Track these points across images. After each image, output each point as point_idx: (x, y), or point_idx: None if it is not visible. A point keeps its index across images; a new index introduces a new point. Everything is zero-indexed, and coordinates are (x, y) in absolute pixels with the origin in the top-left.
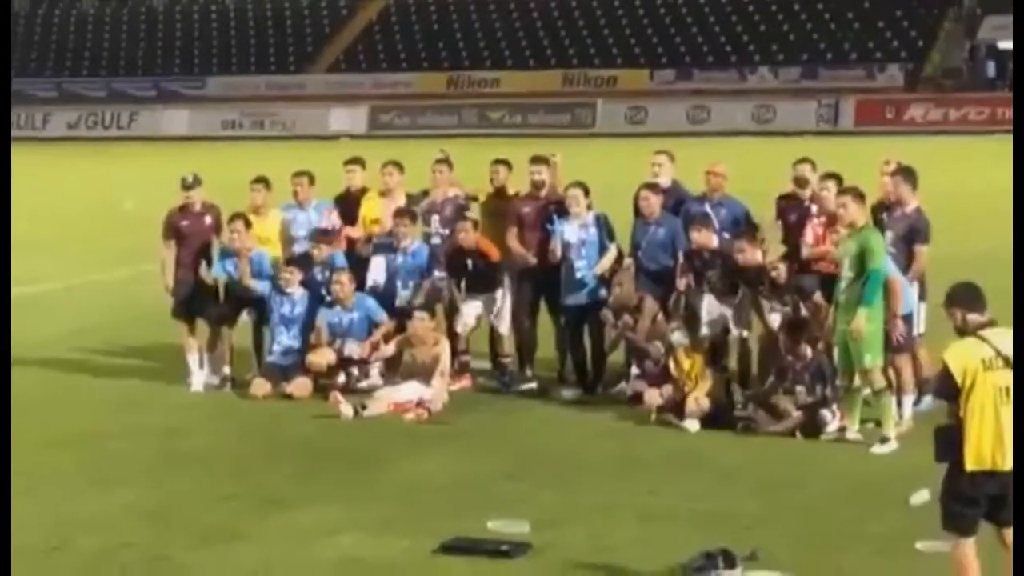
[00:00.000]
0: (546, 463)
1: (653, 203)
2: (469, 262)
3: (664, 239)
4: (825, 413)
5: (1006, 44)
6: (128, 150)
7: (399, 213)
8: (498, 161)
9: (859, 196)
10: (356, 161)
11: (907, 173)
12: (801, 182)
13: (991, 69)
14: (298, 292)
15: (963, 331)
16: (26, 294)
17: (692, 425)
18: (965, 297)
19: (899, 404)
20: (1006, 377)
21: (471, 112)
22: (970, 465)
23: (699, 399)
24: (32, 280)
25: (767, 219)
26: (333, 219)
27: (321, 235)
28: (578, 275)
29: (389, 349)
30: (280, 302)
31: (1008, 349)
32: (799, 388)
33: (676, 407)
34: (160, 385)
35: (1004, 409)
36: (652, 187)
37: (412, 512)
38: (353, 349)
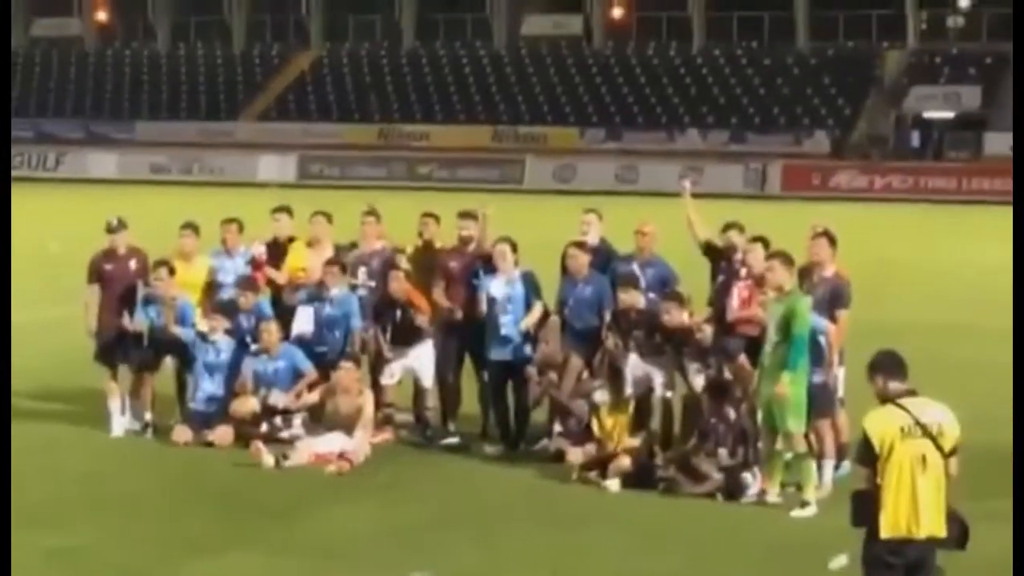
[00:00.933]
0: (468, 518)
1: (581, 261)
2: (397, 313)
3: (591, 297)
4: (746, 476)
5: (931, 114)
6: (55, 191)
7: (329, 263)
8: (427, 214)
9: (787, 260)
10: (283, 209)
11: (828, 237)
12: (730, 249)
13: (915, 139)
14: (223, 340)
15: (884, 398)
16: None
17: (613, 484)
18: (887, 365)
19: (819, 468)
20: (924, 446)
21: (400, 164)
22: (885, 532)
23: (621, 459)
24: None
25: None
26: (258, 251)
27: (247, 283)
28: (503, 331)
29: (312, 397)
30: (205, 350)
31: (927, 418)
32: (721, 450)
33: (599, 466)
34: (82, 429)
35: (921, 478)
36: (580, 245)
37: (333, 563)
38: (278, 398)
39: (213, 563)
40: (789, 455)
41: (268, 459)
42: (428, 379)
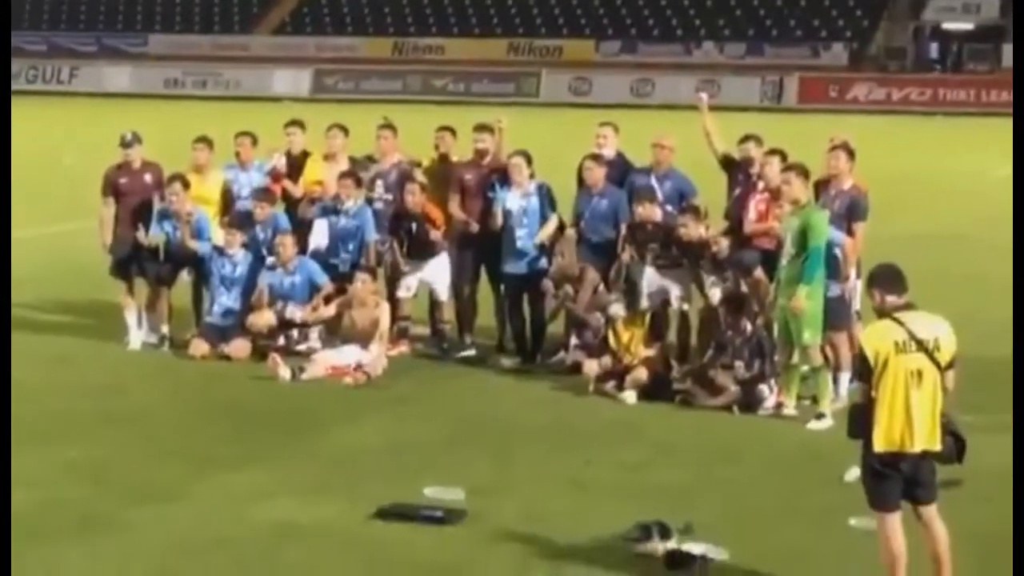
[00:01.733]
0: (483, 431)
1: (597, 174)
2: (413, 226)
3: (607, 211)
4: (762, 388)
5: (949, 25)
6: (69, 105)
7: (344, 176)
8: (443, 128)
9: (803, 173)
10: (296, 124)
11: (846, 149)
12: (747, 162)
13: (934, 50)
14: (239, 253)
15: (881, 312)
16: None
17: (630, 397)
18: (884, 278)
19: (835, 381)
20: (919, 361)
21: (415, 78)
22: (878, 446)
23: (637, 371)
24: None
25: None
26: (279, 163)
27: (263, 194)
28: (519, 244)
29: (329, 311)
30: (221, 263)
31: (924, 332)
32: (738, 363)
33: (615, 378)
34: (97, 343)
35: (915, 392)
36: (596, 158)
37: (347, 477)
38: (294, 312)
39: (229, 477)
40: (805, 368)
41: (284, 372)
42: (444, 292)
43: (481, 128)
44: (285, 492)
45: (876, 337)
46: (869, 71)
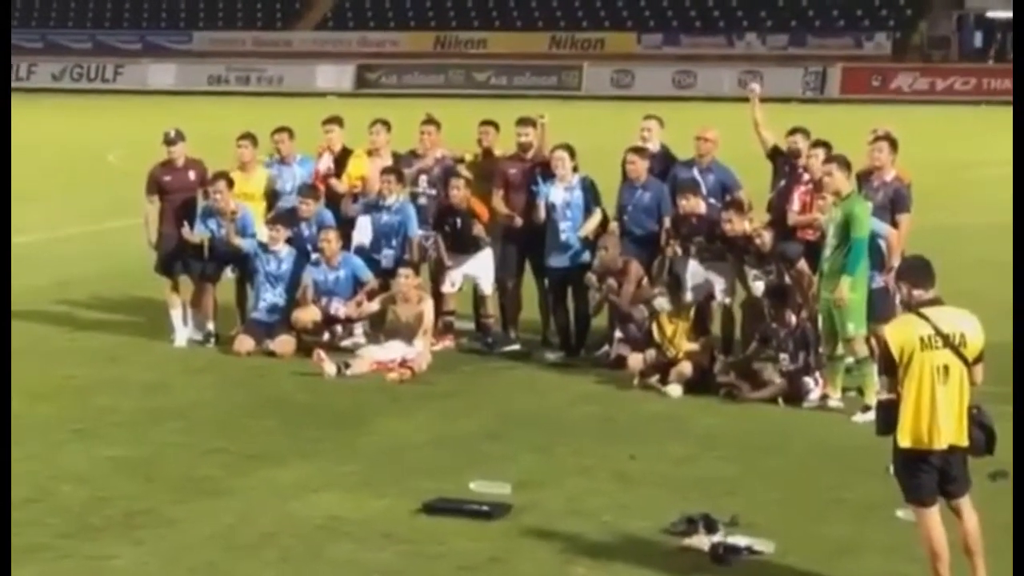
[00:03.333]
0: (528, 425)
1: (640, 167)
2: (457, 221)
3: (650, 203)
4: (808, 381)
5: (994, 14)
6: (113, 103)
7: (386, 171)
8: (486, 122)
9: (845, 164)
10: (334, 120)
11: (889, 140)
12: (794, 154)
13: (978, 39)
14: (284, 249)
15: (908, 306)
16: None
17: (674, 390)
18: (912, 272)
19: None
20: (945, 356)
21: (457, 72)
22: (904, 442)
23: (682, 365)
24: (16, 231)
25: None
26: (325, 165)
27: (309, 191)
28: (562, 237)
29: (373, 306)
30: (266, 259)
31: (948, 327)
32: (782, 355)
33: (659, 372)
34: (143, 340)
35: (940, 388)
36: (640, 151)
37: (393, 471)
38: (338, 307)
39: (275, 472)
40: (850, 360)
41: (330, 368)
42: (488, 286)
43: (524, 122)
44: (331, 487)
45: (901, 332)
46: (912, 61)
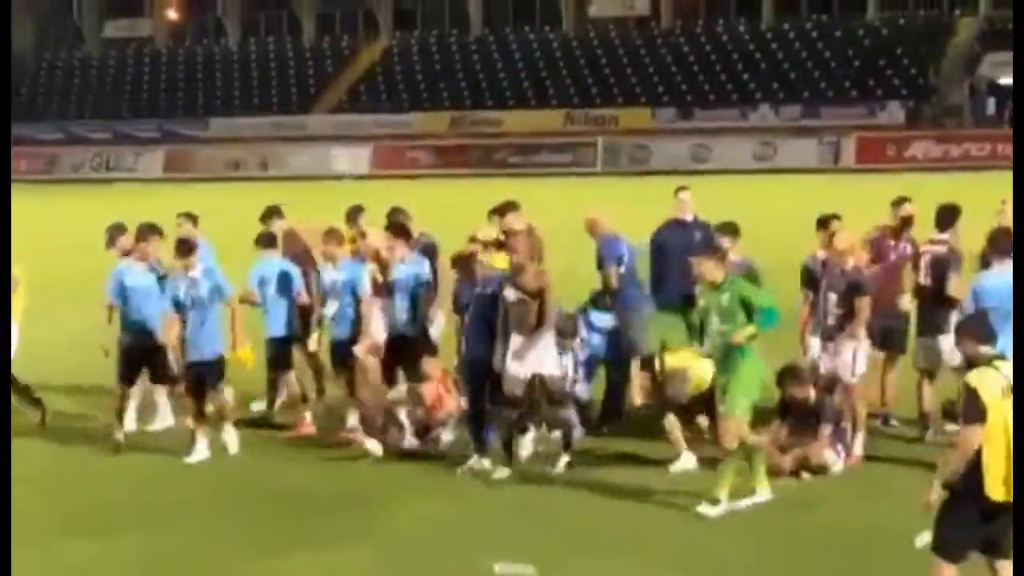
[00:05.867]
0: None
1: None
2: None
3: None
4: (829, 453)
5: (1006, 80)
6: (132, 191)
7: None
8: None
9: (717, 254)
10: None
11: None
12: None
13: (991, 105)
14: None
15: (973, 361)
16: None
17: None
18: (976, 327)
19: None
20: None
21: (475, 151)
22: (996, 495)
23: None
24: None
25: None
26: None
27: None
28: None
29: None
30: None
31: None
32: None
33: None
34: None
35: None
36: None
37: (416, 552)
38: None
39: (279, 563)
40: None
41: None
42: None
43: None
44: None
45: (987, 383)
46: (926, 129)
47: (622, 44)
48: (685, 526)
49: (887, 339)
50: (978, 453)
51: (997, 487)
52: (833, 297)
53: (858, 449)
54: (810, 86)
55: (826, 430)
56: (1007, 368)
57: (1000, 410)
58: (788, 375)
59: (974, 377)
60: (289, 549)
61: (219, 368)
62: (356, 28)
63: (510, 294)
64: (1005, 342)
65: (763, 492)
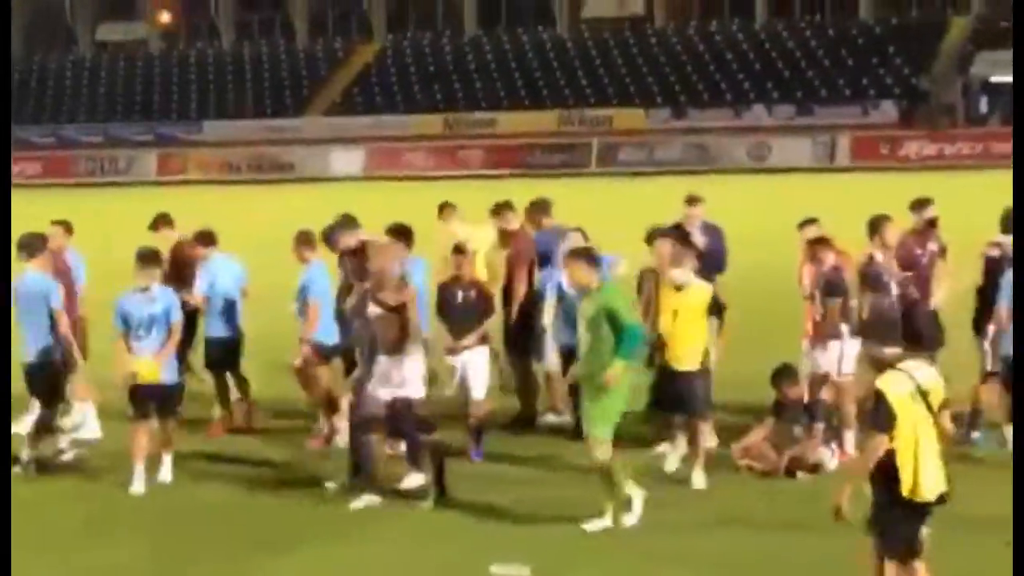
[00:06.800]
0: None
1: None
2: None
3: None
4: (824, 451)
5: (998, 78)
6: (124, 195)
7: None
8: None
9: (589, 258)
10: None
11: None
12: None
13: (984, 104)
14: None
15: (881, 363)
16: None
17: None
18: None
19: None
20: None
21: (468, 153)
22: (911, 494)
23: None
24: None
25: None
26: None
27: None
28: None
29: None
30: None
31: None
32: (796, 428)
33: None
34: None
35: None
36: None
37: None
38: None
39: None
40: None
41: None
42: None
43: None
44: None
45: (894, 387)
46: (920, 127)
47: (616, 44)
48: (672, 527)
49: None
50: (892, 457)
51: (912, 488)
52: (816, 296)
53: (850, 447)
54: (804, 85)
55: (819, 429)
56: (918, 371)
57: (909, 413)
58: (781, 375)
59: (882, 381)
60: None
61: (178, 395)
62: (349, 30)
63: (372, 309)
64: None
65: (637, 499)
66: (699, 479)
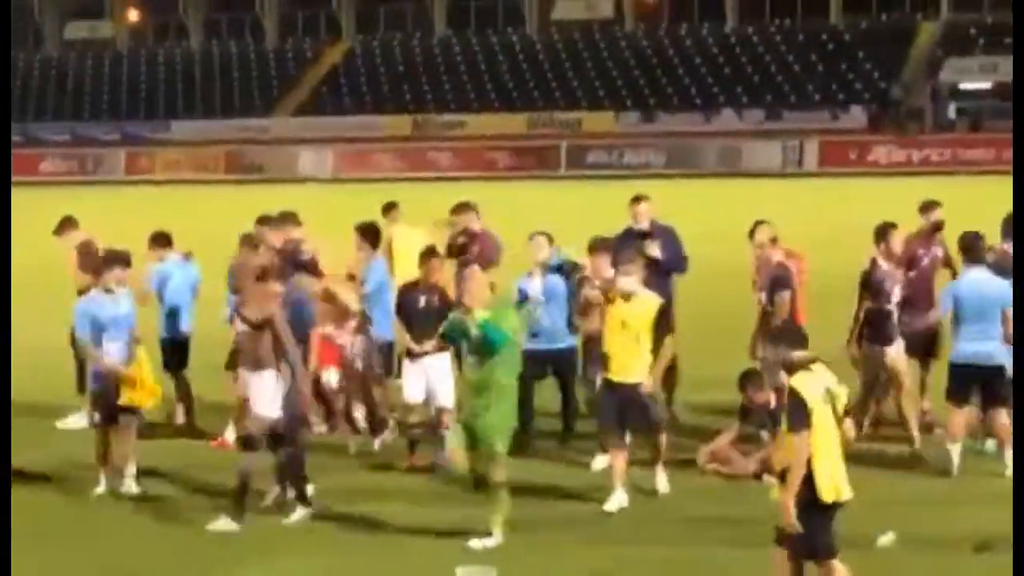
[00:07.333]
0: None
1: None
2: None
3: None
4: None
5: (967, 85)
6: (92, 193)
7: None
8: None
9: (477, 279)
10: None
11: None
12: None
13: (952, 110)
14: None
15: (790, 366)
16: None
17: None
18: (789, 335)
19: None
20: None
21: (436, 154)
22: (828, 496)
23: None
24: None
25: None
26: None
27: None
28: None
29: None
30: None
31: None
32: (763, 433)
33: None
34: None
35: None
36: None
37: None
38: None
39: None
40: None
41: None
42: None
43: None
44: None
45: (808, 387)
46: (889, 133)
47: (586, 47)
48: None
49: (921, 345)
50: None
51: (828, 490)
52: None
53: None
54: (773, 90)
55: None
56: (825, 375)
57: (822, 413)
58: (748, 379)
59: (796, 381)
60: None
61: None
62: (318, 30)
63: (239, 325)
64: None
65: (497, 533)
66: (662, 483)
